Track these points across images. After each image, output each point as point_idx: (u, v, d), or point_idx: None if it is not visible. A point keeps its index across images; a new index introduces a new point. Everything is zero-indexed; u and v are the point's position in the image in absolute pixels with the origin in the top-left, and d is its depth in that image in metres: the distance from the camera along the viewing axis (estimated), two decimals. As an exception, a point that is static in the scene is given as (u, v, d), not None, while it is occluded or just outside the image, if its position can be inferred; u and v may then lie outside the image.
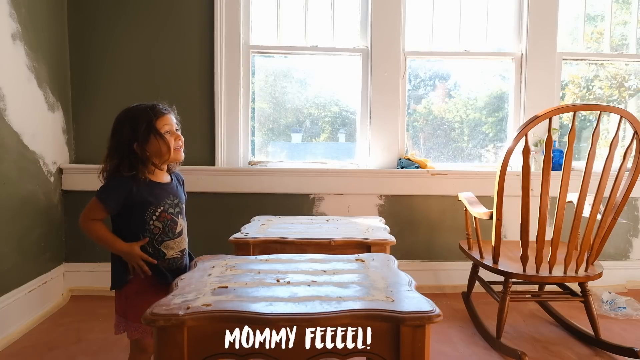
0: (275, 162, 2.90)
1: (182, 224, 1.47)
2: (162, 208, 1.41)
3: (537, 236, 1.93)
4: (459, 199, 2.38)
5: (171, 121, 1.41)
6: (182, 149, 1.43)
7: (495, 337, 2.06)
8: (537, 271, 1.95)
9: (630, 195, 1.96)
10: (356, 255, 1.49)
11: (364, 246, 1.74)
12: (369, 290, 1.15)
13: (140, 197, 1.37)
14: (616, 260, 2.91)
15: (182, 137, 1.43)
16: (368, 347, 1.04)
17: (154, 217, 1.39)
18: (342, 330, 1.02)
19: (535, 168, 2.74)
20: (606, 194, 1.90)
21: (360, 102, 2.86)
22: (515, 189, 2.01)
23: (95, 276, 2.71)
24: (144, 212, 1.38)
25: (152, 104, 1.41)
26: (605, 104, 2.97)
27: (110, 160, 1.38)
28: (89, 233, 1.38)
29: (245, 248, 1.76)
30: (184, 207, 1.51)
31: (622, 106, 3.07)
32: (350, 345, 1.03)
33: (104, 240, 1.37)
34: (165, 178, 1.46)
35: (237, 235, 1.81)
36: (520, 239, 1.93)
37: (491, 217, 1.99)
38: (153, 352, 1.20)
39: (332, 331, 1.02)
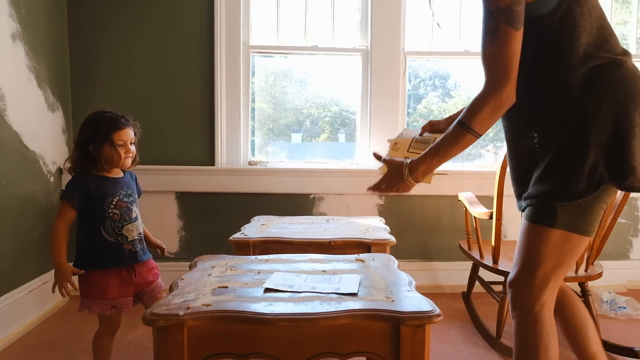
0: (275, 162, 2.90)
1: (136, 210, 1.66)
2: (117, 197, 1.60)
3: (537, 236, 1.93)
4: (459, 199, 2.38)
5: (127, 136, 1.60)
6: (129, 159, 1.62)
7: (495, 337, 2.06)
8: (537, 271, 1.95)
9: (631, 195, 1.96)
10: (356, 255, 1.50)
11: (364, 246, 1.74)
12: (369, 290, 1.15)
13: (99, 190, 1.57)
14: (616, 260, 2.91)
15: (132, 150, 1.62)
16: (368, 347, 1.04)
17: (112, 206, 1.59)
18: (342, 331, 1.02)
19: (535, 168, 2.73)
20: (606, 193, 1.90)
21: (360, 102, 2.86)
22: (515, 189, 2.00)
23: (95, 276, 2.71)
24: (103, 202, 1.57)
25: (116, 117, 1.59)
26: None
27: (74, 152, 1.58)
28: (53, 238, 1.52)
29: (245, 248, 1.76)
30: (137, 197, 1.71)
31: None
32: (350, 345, 1.03)
33: (56, 247, 1.52)
34: (118, 174, 1.66)
35: (237, 235, 1.81)
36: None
37: (491, 217, 1.99)
38: (118, 324, 1.63)
39: (332, 331, 1.02)
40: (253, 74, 2.88)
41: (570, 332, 1.44)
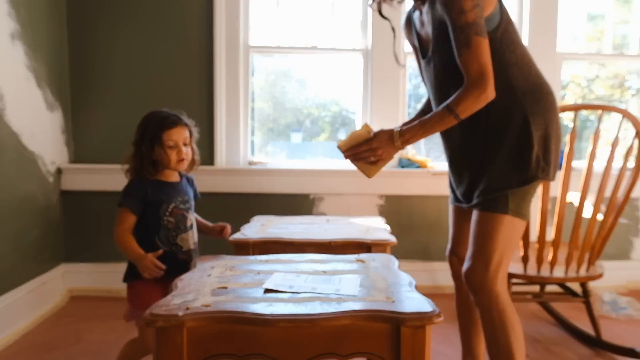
0: (275, 162, 2.90)
1: (192, 218, 1.60)
2: (173, 204, 1.52)
3: (538, 236, 1.93)
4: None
5: (179, 136, 1.50)
6: (184, 162, 1.53)
7: (495, 338, 2.06)
8: (538, 272, 1.94)
9: (632, 196, 1.95)
10: (356, 255, 1.49)
11: (364, 246, 1.73)
12: (370, 290, 1.15)
13: (154, 196, 1.50)
14: (617, 261, 2.90)
15: (185, 151, 1.52)
16: (368, 348, 1.03)
17: (167, 214, 1.51)
18: (342, 331, 1.02)
19: (536, 168, 2.73)
20: (607, 194, 1.90)
21: (360, 101, 2.85)
22: (516, 189, 2.00)
23: (95, 276, 2.70)
24: (158, 209, 1.50)
25: (166, 115, 1.51)
26: (606, 103, 2.96)
27: (134, 157, 1.51)
28: (120, 245, 1.47)
29: (245, 248, 1.75)
30: (194, 203, 1.64)
31: (623, 106, 3.06)
32: (350, 346, 1.03)
33: (128, 248, 1.46)
34: (175, 178, 1.58)
35: (236, 236, 1.80)
36: (521, 240, 1.92)
37: (492, 217, 1.98)
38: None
39: (332, 332, 1.02)
40: (253, 73, 2.87)
41: (468, 322, 1.65)
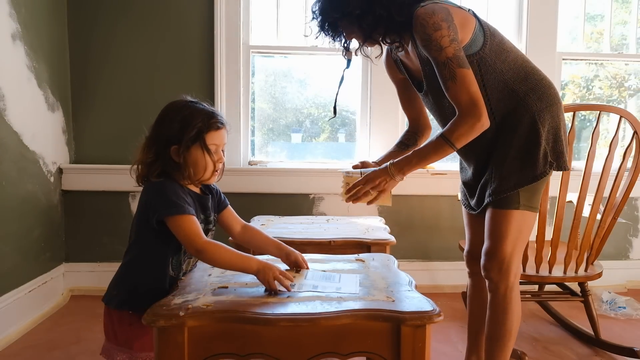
0: (275, 162, 2.90)
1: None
2: (202, 220, 1.24)
3: (536, 236, 1.93)
4: (459, 198, 2.37)
5: (221, 139, 1.23)
6: (217, 174, 1.26)
7: (495, 337, 2.07)
8: (537, 271, 1.95)
9: (630, 195, 1.96)
10: (356, 255, 1.49)
11: (364, 246, 1.74)
12: (370, 290, 1.16)
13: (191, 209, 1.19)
14: (616, 260, 2.91)
15: (224, 160, 1.27)
16: (368, 347, 1.04)
17: None
18: (342, 331, 1.02)
19: (535, 168, 2.73)
20: (606, 193, 1.91)
21: (360, 102, 2.86)
22: (515, 189, 2.00)
23: (95, 276, 2.71)
24: None
25: (212, 111, 1.23)
26: (605, 103, 2.97)
27: (148, 151, 1.20)
28: (212, 255, 1.15)
29: (245, 248, 1.75)
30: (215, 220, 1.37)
31: (622, 106, 3.07)
32: (350, 345, 1.03)
33: (241, 259, 1.16)
34: (196, 189, 1.29)
35: (237, 235, 1.80)
36: (520, 239, 1.92)
37: (491, 217, 1.99)
38: None
39: (332, 331, 1.02)
40: (253, 74, 2.88)
41: (479, 318, 1.68)
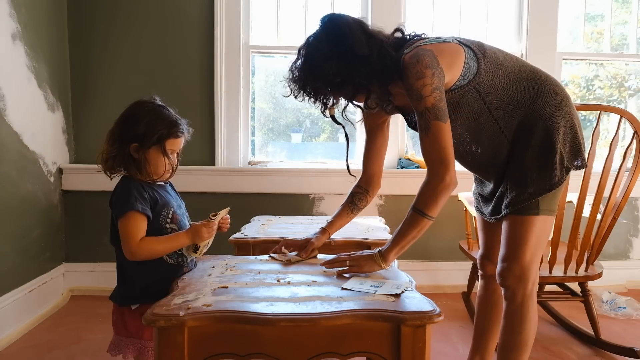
0: (275, 162, 2.90)
1: (189, 223, 1.41)
2: (172, 210, 1.33)
3: (537, 236, 1.93)
4: (459, 199, 2.38)
5: (178, 146, 1.34)
6: (170, 173, 1.35)
7: (495, 337, 2.07)
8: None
9: (630, 195, 1.96)
10: (356, 255, 1.49)
11: (364, 246, 1.74)
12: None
13: (154, 201, 1.28)
14: (616, 260, 2.91)
15: (177, 160, 1.37)
16: (368, 347, 1.04)
17: (169, 220, 1.31)
18: (342, 330, 1.02)
19: (535, 168, 2.73)
20: (606, 193, 1.91)
21: (360, 102, 2.85)
22: (515, 189, 2.00)
23: (95, 276, 2.71)
24: (159, 216, 1.29)
25: (176, 120, 1.32)
26: (605, 103, 2.97)
27: (112, 145, 1.28)
28: (147, 255, 1.24)
29: (246, 248, 1.76)
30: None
31: (622, 106, 3.07)
32: (350, 345, 1.03)
33: (168, 246, 1.27)
34: (160, 181, 1.37)
35: (237, 235, 1.81)
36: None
37: (491, 217, 1.99)
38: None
39: (332, 331, 1.02)
40: (253, 74, 2.88)
41: (488, 319, 1.66)
